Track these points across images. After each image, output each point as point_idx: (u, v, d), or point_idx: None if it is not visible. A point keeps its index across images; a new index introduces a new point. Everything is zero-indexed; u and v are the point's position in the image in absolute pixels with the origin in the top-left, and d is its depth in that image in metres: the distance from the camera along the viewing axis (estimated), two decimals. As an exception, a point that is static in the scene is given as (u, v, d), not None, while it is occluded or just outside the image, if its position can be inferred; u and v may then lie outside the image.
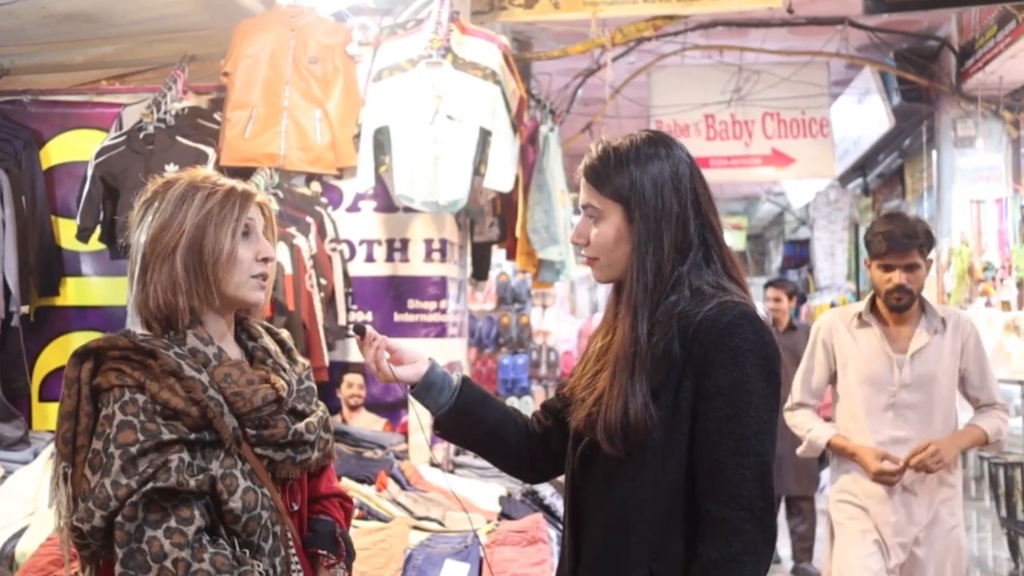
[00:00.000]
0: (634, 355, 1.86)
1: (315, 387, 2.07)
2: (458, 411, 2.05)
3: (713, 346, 1.83)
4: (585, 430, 1.93)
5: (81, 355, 1.86)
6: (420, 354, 2.07)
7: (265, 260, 1.96)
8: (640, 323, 1.87)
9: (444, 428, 2.08)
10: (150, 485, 1.76)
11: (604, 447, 1.86)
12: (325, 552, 2.04)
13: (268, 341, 2.05)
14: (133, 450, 1.77)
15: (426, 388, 2.04)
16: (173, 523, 1.77)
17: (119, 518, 1.77)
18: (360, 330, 2.05)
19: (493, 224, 5.68)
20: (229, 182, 1.97)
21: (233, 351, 1.97)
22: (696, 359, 1.83)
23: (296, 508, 2.00)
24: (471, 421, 2.08)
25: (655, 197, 1.90)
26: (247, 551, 1.85)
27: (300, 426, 1.95)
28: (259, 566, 1.84)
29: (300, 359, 2.09)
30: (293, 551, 1.96)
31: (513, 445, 2.12)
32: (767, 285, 7.25)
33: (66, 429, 1.84)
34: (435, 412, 2.06)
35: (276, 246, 2.03)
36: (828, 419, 3.77)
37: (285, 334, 2.12)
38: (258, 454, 1.89)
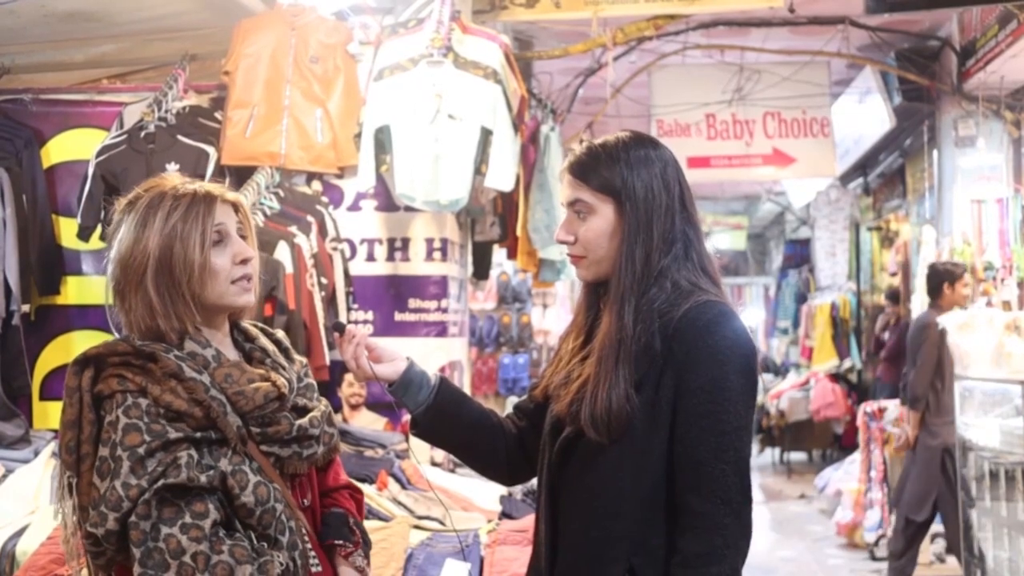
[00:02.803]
0: (619, 344, 1.89)
1: (315, 383, 2.07)
2: (436, 410, 2.06)
3: (693, 344, 1.86)
4: (567, 419, 1.94)
5: (81, 363, 1.85)
6: (399, 352, 2.08)
7: (244, 262, 1.93)
8: (626, 312, 1.90)
9: (421, 427, 2.09)
10: (161, 482, 1.75)
11: (588, 434, 1.88)
12: (341, 542, 2.04)
13: (264, 341, 2.04)
14: (141, 451, 1.77)
15: (404, 386, 2.05)
16: (188, 519, 1.76)
17: (133, 518, 1.75)
18: (339, 327, 2.04)
19: (494, 223, 5.68)
20: (191, 189, 1.92)
21: (231, 353, 1.97)
22: (676, 356, 1.87)
23: (307, 503, 2.00)
24: (449, 420, 2.09)
25: (645, 189, 1.94)
26: (265, 544, 1.84)
27: (303, 421, 1.95)
28: (279, 556, 1.83)
29: (297, 357, 2.09)
30: (309, 545, 1.96)
31: (489, 446, 2.13)
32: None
33: (69, 438, 1.83)
34: (413, 410, 2.07)
35: (253, 241, 1.99)
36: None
37: (281, 334, 2.12)
38: (264, 451, 1.89)
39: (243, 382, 1.88)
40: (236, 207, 1.96)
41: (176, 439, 1.79)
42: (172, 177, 1.99)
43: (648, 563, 1.87)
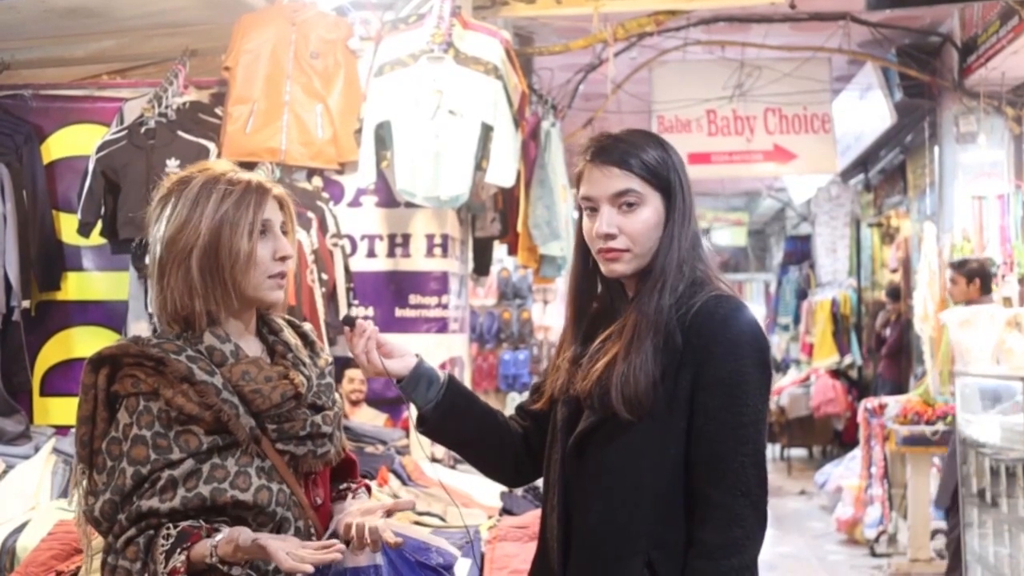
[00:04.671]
0: (655, 325, 1.89)
1: (333, 383, 2.07)
2: (445, 407, 2.05)
3: (711, 338, 1.87)
4: (590, 397, 1.92)
5: (96, 362, 1.86)
6: (408, 349, 2.06)
7: (283, 259, 1.93)
8: (666, 296, 1.90)
9: (430, 424, 2.07)
10: (136, 504, 1.79)
11: (619, 411, 1.87)
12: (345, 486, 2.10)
13: (289, 335, 2.04)
14: (144, 471, 1.80)
15: (414, 382, 2.03)
16: (140, 541, 1.80)
17: (112, 531, 1.82)
18: (349, 321, 2.03)
19: (494, 219, 5.67)
20: (245, 178, 1.94)
21: (253, 347, 1.97)
22: (693, 349, 1.88)
23: (319, 502, 2.00)
24: (457, 418, 2.07)
25: (685, 179, 1.97)
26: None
27: (317, 418, 1.95)
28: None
29: (324, 354, 2.08)
30: None
31: (497, 444, 2.11)
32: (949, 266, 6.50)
33: (83, 433, 1.86)
34: (422, 407, 2.05)
35: (295, 240, 2.00)
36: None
37: (308, 327, 2.11)
38: (279, 450, 1.89)
39: (260, 380, 1.89)
40: (281, 203, 1.97)
41: (178, 459, 1.80)
42: (223, 163, 2.01)
43: (666, 556, 1.87)
